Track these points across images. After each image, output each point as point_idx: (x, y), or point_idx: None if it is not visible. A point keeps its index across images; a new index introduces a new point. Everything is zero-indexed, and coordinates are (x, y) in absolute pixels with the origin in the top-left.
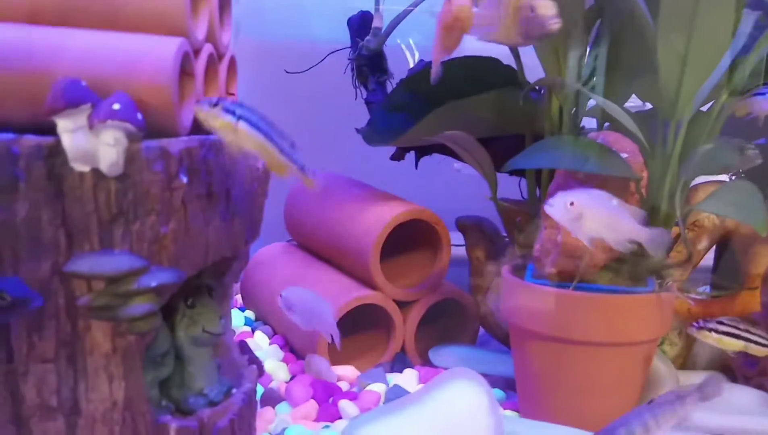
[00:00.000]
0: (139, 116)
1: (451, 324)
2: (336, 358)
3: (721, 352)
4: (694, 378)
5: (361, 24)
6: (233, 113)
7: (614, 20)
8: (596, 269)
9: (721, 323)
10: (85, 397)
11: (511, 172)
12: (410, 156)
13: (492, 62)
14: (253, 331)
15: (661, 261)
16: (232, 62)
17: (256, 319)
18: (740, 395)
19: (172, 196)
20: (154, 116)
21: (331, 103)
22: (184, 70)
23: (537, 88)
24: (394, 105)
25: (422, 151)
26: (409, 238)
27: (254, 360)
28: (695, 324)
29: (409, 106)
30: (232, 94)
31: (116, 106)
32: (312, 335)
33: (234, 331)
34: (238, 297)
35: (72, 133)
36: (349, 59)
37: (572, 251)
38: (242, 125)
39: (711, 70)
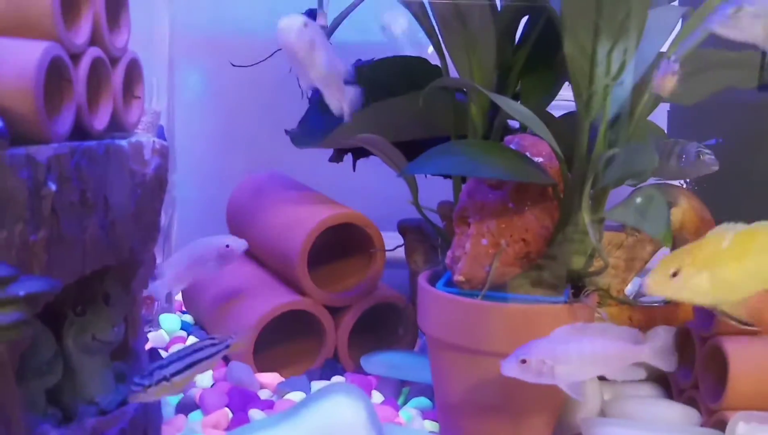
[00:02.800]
0: (0, 123)
1: (390, 329)
2: (265, 366)
3: None
4: (628, 390)
5: None
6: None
7: (537, 18)
8: (508, 278)
9: None
10: None
11: (446, 175)
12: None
13: (420, 62)
14: (188, 336)
15: (580, 269)
16: (134, 65)
17: (195, 324)
18: (666, 410)
19: (41, 203)
20: (20, 123)
21: (279, 103)
22: (62, 75)
23: (464, 90)
24: (326, 105)
25: (359, 153)
26: (346, 242)
27: None
28: None
29: None
30: (138, 98)
31: None
32: None
33: (147, 338)
34: (180, 299)
35: None
36: None
37: (480, 259)
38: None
39: (623, 69)
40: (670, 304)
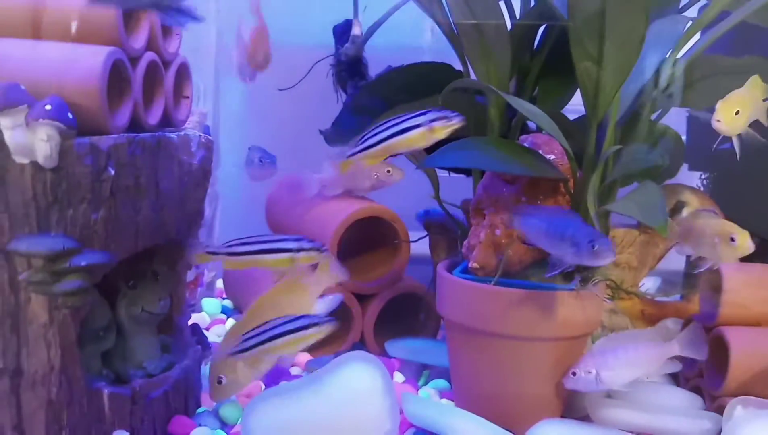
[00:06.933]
0: (70, 116)
1: (414, 318)
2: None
3: None
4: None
5: (344, 31)
6: None
7: (554, 26)
8: (521, 266)
9: None
10: (27, 362)
11: (468, 174)
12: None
13: (445, 68)
14: (227, 319)
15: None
16: (184, 68)
17: (234, 308)
18: (671, 396)
19: (101, 186)
20: (86, 116)
21: (316, 106)
22: (122, 75)
23: (484, 93)
24: (357, 108)
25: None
26: (375, 236)
27: (202, 341)
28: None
29: (370, 109)
30: (186, 97)
31: (48, 107)
32: None
33: (190, 315)
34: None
35: (12, 130)
36: (330, 65)
37: (494, 247)
38: None
39: (627, 72)
40: (681, 300)
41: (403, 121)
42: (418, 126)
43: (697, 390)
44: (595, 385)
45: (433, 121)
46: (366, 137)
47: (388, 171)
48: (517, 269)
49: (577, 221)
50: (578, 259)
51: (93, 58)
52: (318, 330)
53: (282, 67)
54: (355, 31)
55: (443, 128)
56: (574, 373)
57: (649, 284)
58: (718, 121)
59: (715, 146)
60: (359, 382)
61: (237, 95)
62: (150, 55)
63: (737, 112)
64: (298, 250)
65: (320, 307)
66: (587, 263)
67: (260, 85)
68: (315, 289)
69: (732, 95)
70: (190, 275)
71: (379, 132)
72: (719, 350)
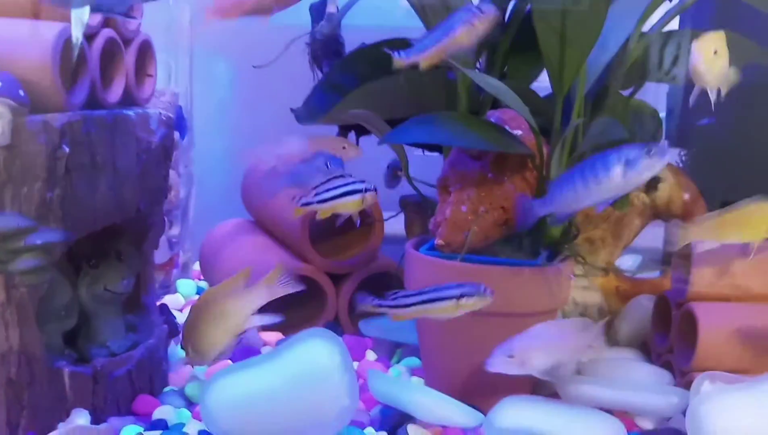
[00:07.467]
0: (22, 93)
1: None
2: (270, 327)
3: (641, 329)
4: (608, 353)
5: (321, 10)
6: None
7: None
8: (487, 242)
9: None
10: None
11: (441, 151)
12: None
13: None
14: None
15: (557, 237)
16: (147, 46)
17: None
18: (641, 372)
19: (56, 164)
20: (40, 93)
21: (292, 88)
22: (77, 52)
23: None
24: (330, 85)
25: (362, 131)
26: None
27: (170, 322)
28: None
29: (343, 87)
30: (150, 76)
31: None
32: None
33: (159, 295)
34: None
35: None
36: (306, 44)
37: (459, 224)
38: None
39: (590, 46)
40: (660, 276)
41: (446, 22)
42: (462, 23)
43: (668, 366)
44: (515, 368)
45: (468, 18)
46: (420, 40)
47: (344, 148)
48: (483, 245)
49: (610, 150)
50: (640, 174)
51: (46, 34)
52: (480, 299)
53: (263, 49)
54: (330, 8)
55: (482, 23)
56: (498, 357)
57: (629, 262)
58: (697, 58)
59: (691, 102)
60: (317, 358)
61: (215, 76)
62: (107, 32)
63: (715, 52)
64: (366, 190)
65: (257, 320)
66: (653, 172)
67: (241, 66)
68: (255, 300)
69: (707, 34)
70: (164, 256)
71: (431, 34)
72: (689, 326)
